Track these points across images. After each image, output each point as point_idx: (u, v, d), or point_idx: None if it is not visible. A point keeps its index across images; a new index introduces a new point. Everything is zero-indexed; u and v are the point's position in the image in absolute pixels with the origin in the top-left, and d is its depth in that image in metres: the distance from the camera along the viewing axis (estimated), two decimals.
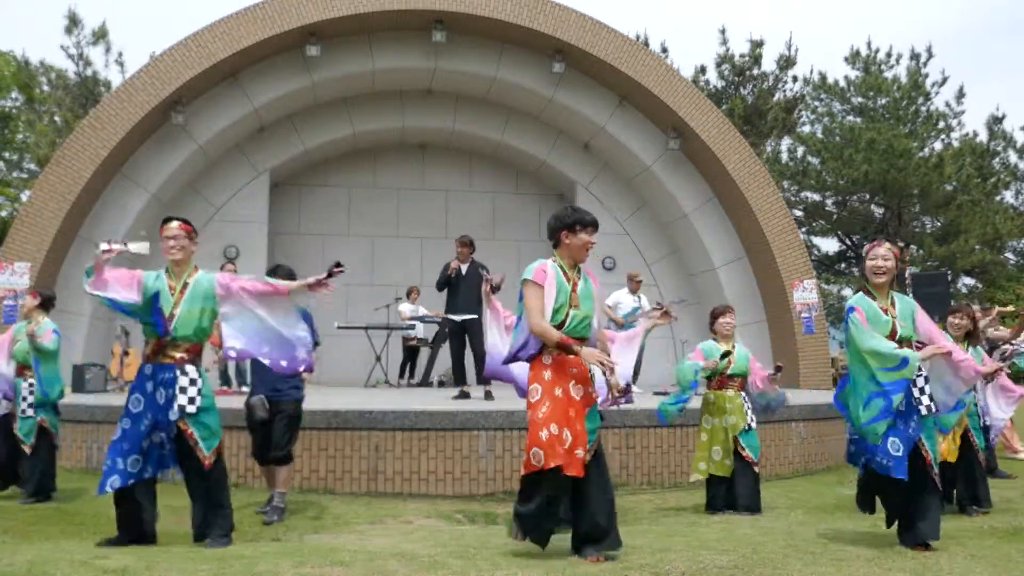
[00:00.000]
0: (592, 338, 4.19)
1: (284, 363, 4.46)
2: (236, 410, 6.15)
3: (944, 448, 5.68)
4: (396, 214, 14.54)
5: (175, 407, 4.25)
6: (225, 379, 9.84)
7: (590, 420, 4.01)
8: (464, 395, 9.12)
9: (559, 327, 4.03)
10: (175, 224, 4.52)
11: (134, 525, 4.30)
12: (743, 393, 6.08)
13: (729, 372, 6.03)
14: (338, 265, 4.41)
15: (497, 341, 5.24)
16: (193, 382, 4.33)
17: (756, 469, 5.96)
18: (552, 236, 4.24)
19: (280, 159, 13.41)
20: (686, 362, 6.03)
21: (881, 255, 4.41)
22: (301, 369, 4.63)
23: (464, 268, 9.26)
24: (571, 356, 4.01)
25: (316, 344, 5.16)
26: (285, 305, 4.48)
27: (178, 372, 4.32)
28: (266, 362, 4.47)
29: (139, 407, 4.28)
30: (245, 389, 8.18)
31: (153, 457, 4.30)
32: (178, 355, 4.35)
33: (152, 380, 4.32)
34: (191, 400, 4.29)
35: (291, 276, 5.14)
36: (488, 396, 8.87)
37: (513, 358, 4.20)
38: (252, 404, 5.56)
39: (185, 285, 4.43)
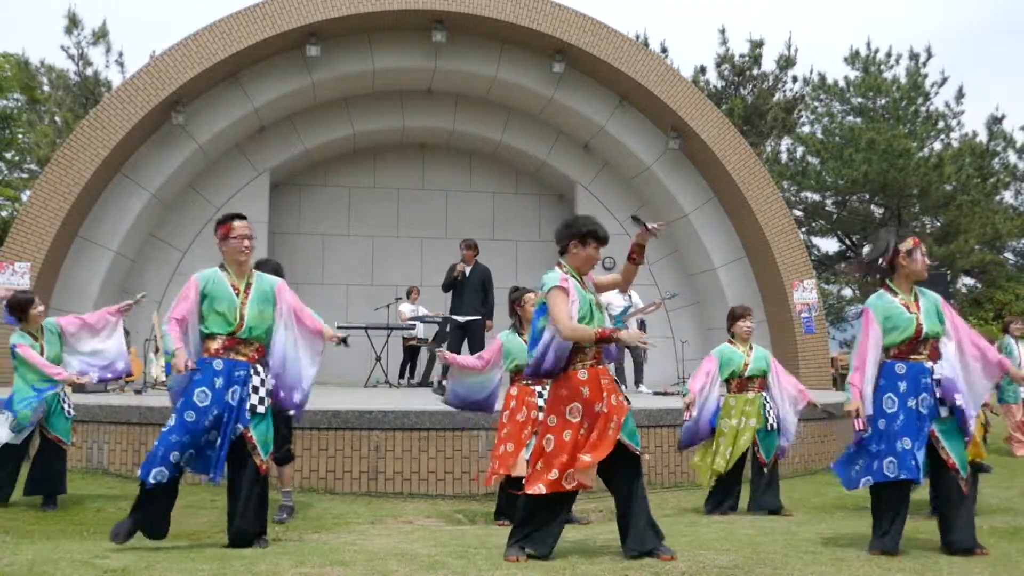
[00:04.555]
0: None
1: (284, 398, 4.40)
2: None
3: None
4: (396, 214, 14.54)
5: (246, 407, 4.20)
6: None
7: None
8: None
9: None
10: (244, 222, 4.42)
11: (153, 517, 4.20)
12: (763, 394, 6.08)
13: (747, 374, 6.05)
14: (343, 341, 4.57)
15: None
16: (263, 382, 4.30)
17: (765, 470, 6.03)
18: (560, 242, 4.11)
19: (280, 159, 13.41)
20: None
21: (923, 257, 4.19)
22: (291, 412, 4.57)
23: (468, 271, 9.38)
24: (611, 344, 4.02)
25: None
26: (315, 346, 4.46)
27: (251, 371, 4.27)
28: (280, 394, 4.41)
29: (206, 401, 4.15)
30: None
31: (203, 456, 4.18)
32: (250, 353, 4.30)
33: (223, 376, 4.20)
34: (261, 401, 4.26)
35: (278, 271, 5.03)
36: None
37: (534, 373, 4.06)
38: None
39: (248, 285, 4.36)
